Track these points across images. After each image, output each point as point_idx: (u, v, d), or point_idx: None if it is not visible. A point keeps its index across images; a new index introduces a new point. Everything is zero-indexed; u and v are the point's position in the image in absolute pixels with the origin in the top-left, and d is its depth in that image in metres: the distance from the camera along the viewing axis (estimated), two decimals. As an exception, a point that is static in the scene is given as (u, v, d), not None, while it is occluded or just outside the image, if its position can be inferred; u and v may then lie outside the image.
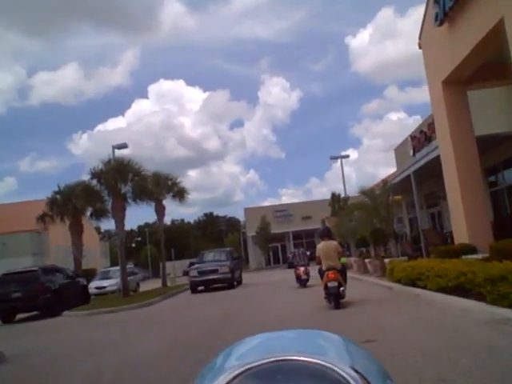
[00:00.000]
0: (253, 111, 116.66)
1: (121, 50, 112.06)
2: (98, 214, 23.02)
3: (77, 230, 23.37)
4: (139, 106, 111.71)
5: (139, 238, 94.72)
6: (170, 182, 27.19)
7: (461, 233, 12.13)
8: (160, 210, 26.84)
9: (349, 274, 18.64)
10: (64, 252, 31.55)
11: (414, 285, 9.99)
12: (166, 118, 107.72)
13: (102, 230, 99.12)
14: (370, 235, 17.91)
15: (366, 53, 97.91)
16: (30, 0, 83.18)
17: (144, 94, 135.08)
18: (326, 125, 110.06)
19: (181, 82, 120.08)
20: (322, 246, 9.56)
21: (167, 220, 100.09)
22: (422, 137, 20.33)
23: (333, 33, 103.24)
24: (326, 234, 9.98)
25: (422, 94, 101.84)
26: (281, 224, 49.76)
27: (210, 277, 19.69)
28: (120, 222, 19.99)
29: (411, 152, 21.77)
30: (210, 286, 19.93)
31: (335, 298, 9.03)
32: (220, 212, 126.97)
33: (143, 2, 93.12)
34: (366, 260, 17.68)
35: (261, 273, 36.83)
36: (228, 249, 24.07)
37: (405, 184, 18.36)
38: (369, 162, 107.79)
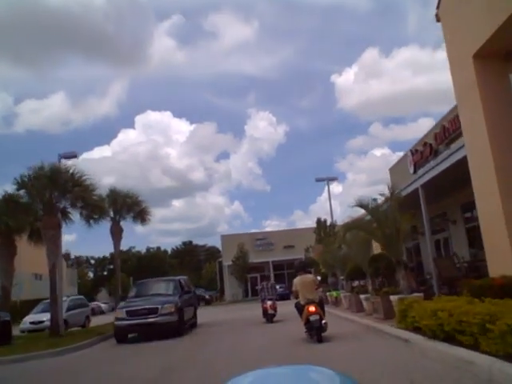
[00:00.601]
0: (239, 144, 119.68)
1: (109, 81, 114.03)
2: (38, 235, 19.04)
3: (8, 253, 19.29)
4: (125, 136, 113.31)
5: (111, 266, 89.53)
6: (129, 201, 23.35)
7: (501, 261, 8.63)
8: (117, 233, 22.94)
9: (337, 311, 15.26)
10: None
11: (450, 339, 6.35)
12: (152, 148, 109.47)
13: (73, 256, 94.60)
14: (370, 263, 14.28)
15: (351, 90, 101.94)
16: (19, 29, 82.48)
17: (131, 125, 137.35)
18: (311, 159, 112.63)
19: (168, 114, 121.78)
20: (298, 280, 9.58)
21: (142, 247, 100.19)
22: (427, 150, 17.16)
23: (319, 70, 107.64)
24: (302, 268, 10.16)
25: (406, 131, 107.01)
26: (261, 253, 46.03)
27: (145, 320, 13.47)
28: (52, 241, 16.11)
29: (411, 169, 18.57)
30: (146, 333, 13.78)
31: (317, 331, 8.94)
32: (203, 242, 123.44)
33: (133, 36, 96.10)
34: (362, 296, 14.01)
35: (234, 306, 32.86)
36: (178, 278, 17.91)
37: (407, 202, 14.86)
38: (353, 196, 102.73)
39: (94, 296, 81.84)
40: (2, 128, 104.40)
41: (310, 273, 11.47)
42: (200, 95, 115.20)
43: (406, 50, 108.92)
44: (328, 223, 28.70)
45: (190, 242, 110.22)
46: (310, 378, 1.13)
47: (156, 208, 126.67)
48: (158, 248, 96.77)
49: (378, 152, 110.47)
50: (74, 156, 19.16)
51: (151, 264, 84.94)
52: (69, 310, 21.03)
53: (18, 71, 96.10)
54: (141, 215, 23.69)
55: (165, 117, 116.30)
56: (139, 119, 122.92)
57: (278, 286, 15.87)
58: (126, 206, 23.17)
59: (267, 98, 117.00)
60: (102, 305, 60.92)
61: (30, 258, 53.65)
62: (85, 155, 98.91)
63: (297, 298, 9.73)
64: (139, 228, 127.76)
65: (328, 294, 20.23)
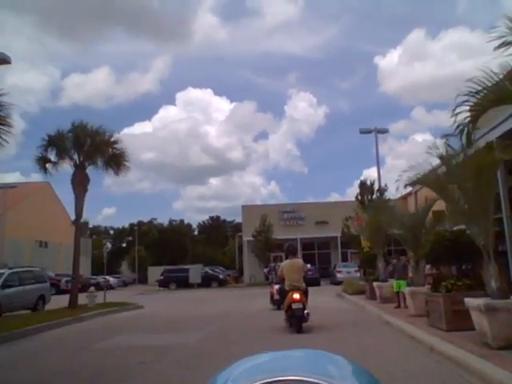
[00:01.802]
0: (278, 124, 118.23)
1: (152, 57, 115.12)
2: None
3: None
4: (166, 113, 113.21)
5: (130, 238, 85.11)
6: (98, 139, 17.02)
7: None
8: (80, 182, 16.70)
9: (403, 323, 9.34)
10: None
11: None
12: (192, 125, 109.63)
13: (91, 226, 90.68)
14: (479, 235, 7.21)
15: (394, 73, 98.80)
16: (67, 4, 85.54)
17: (172, 101, 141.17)
18: (350, 142, 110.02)
19: (209, 91, 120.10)
20: (286, 263, 9.22)
21: (165, 219, 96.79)
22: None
23: (363, 51, 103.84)
24: (292, 252, 9.62)
25: (449, 118, 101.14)
26: (288, 228, 39.38)
27: None
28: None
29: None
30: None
31: (298, 321, 8.56)
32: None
33: (177, 12, 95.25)
34: (475, 302, 7.00)
35: (249, 291, 26.45)
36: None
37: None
38: (391, 181, 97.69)
39: (117, 269, 77.79)
40: (49, 102, 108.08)
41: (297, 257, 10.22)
42: (241, 73, 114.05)
43: (455, 31, 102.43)
44: (375, 187, 21.71)
45: (218, 217, 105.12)
46: (321, 362, 1.17)
47: (193, 185, 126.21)
48: (182, 221, 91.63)
49: (419, 137, 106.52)
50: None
51: (172, 238, 79.86)
52: (3, 286, 15.08)
53: (64, 45, 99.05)
54: (115, 160, 17.32)
55: (205, 94, 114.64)
56: (180, 96, 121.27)
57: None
58: (94, 147, 16.79)
59: (308, 79, 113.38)
60: (111, 279, 55.88)
61: (33, 224, 49.11)
62: (126, 130, 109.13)
63: (281, 281, 9.44)
64: (176, 203, 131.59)
65: (377, 284, 13.34)
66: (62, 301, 17.80)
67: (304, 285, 9.08)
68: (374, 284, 12.73)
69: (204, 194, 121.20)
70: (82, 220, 18.34)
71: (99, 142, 17.19)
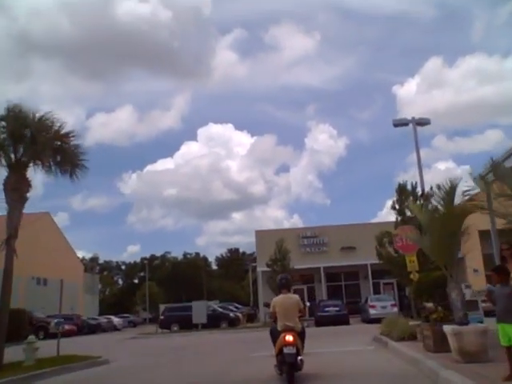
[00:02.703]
0: (299, 157, 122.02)
1: (173, 95, 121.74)
2: None
3: None
4: (188, 149, 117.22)
5: (142, 273, 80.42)
6: (41, 130, 12.54)
7: None
8: (15, 188, 12.21)
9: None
10: None
11: None
12: (214, 160, 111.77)
13: (101, 261, 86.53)
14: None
15: (413, 101, 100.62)
16: (91, 47, 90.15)
17: (193, 137, 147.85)
18: (372, 172, 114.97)
19: (230, 126, 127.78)
20: (279, 299, 7.73)
21: (179, 253, 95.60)
22: None
23: (380, 81, 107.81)
24: (284, 285, 7.96)
25: (471, 144, 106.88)
26: (308, 256, 34.28)
27: None
28: None
29: None
30: None
31: (290, 370, 7.08)
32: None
33: (196, 50, 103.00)
34: None
35: (257, 335, 21.27)
36: None
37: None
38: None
39: (135, 307, 73.08)
40: (76, 141, 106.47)
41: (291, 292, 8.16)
42: (261, 108, 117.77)
43: (472, 58, 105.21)
44: (418, 191, 16.61)
45: (237, 250, 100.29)
46: None
47: (216, 220, 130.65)
48: (197, 254, 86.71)
49: (441, 165, 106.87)
50: None
51: (186, 272, 75.00)
52: None
53: (88, 86, 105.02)
54: (66, 158, 12.81)
55: (226, 129, 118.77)
56: (201, 132, 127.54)
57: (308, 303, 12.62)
58: (40, 141, 12.36)
59: (328, 110, 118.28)
60: (116, 319, 50.98)
61: (30, 259, 44.81)
62: (149, 167, 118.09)
63: (274, 321, 7.93)
64: (199, 239, 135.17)
65: (453, 328, 8.01)
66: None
67: (300, 325, 7.77)
68: (446, 329, 7.64)
69: (227, 228, 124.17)
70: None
71: (44, 135, 12.67)
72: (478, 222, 10.18)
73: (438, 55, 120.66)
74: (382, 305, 25.95)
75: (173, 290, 75.27)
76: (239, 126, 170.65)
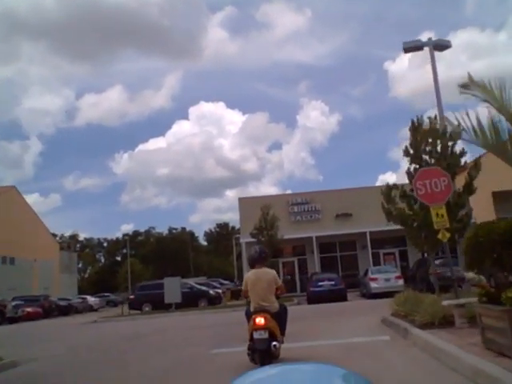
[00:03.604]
0: (291, 134, 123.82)
1: (164, 74, 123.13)
2: None
3: None
4: (180, 128, 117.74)
5: (124, 250, 76.54)
6: None
7: None
8: None
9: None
10: None
11: None
12: (206, 139, 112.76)
13: (81, 238, 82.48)
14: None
15: (405, 77, 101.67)
16: (78, 26, 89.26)
17: (185, 116, 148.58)
18: (364, 148, 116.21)
19: (221, 105, 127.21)
20: (252, 275, 6.74)
21: (164, 228, 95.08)
22: None
23: (372, 57, 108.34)
24: (260, 258, 6.89)
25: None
26: (299, 225, 30.58)
27: None
28: None
29: None
30: None
31: (262, 358, 6.11)
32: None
33: (187, 28, 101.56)
34: None
35: (237, 316, 17.54)
36: None
37: None
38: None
39: (119, 286, 69.54)
40: (65, 122, 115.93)
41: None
42: (252, 85, 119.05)
43: (464, 32, 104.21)
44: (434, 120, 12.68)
45: (226, 225, 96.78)
46: (332, 378, 1.19)
47: (209, 198, 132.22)
48: (183, 229, 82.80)
49: None
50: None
51: (171, 248, 71.31)
52: None
53: (78, 67, 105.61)
54: None
55: (218, 107, 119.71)
56: (193, 110, 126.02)
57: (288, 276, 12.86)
58: None
59: (320, 87, 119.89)
60: (92, 299, 47.37)
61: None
62: (140, 147, 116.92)
63: (246, 298, 7.17)
64: (192, 217, 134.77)
65: None
66: None
67: (277, 304, 6.66)
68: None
69: (220, 206, 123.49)
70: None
71: None
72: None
73: (430, 30, 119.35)
74: (385, 277, 22.42)
75: (159, 267, 71.84)
76: (231, 104, 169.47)
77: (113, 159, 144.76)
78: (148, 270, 67.91)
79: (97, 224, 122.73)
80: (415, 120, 12.63)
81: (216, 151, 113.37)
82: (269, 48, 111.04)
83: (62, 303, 39.47)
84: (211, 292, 27.55)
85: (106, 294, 54.74)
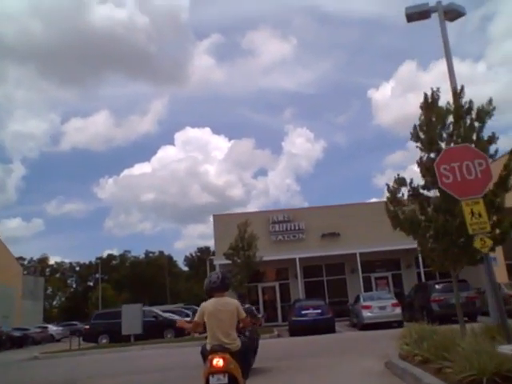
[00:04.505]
0: (277, 160, 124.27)
1: (150, 100, 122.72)
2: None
3: None
4: (165, 153, 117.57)
5: (97, 275, 72.19)
6: None
7: None
8: None
9: None
10: None
11: None
12: (191, 164, 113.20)
13: (52, 262, 77.75)
14: None
15: (388, 105, 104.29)
16: (65, 51, 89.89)
17: (170, 141, 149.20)
18: (349, 175, 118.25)
19: (207, 130, 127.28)
20: (210, 305, 5.56)
21: (136, 251, 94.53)
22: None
23: (356, 85, 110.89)
24: (220, 286, 5.64)
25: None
26: (281, 245, 27.42)
27: None
28: None
29: None
30: None
31: None
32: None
33: (174, 55, 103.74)
34: None
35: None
36: None
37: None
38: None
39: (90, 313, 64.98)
40: (50, 146, 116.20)
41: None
42: (238, 111, 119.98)
43: (445, 62, 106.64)
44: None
45: (208, 249, 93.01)
46: None
47: (194, 224, 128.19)
48: (161, 253, 78.67)
49: (417, 167, 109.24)
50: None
51: (147, 273, 67.23)
52: None
53: (64, 91, 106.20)
54: None
55: (204, 133, 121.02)
56: (179, 136, 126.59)
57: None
58: None
59: (305, 114, 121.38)
60: (54, 328, 43.18)
61: None
62: (126, 172, 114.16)
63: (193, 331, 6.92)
64: (177, 243, 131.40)
65: None
66: None
67: (238, 342, 5.53)
68: None
69: (205, 232, 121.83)
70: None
71: None
72: None
73: (413, 59, 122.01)
74: (380, 305, 19.27)
75: (134, 293, 67.76)
76: (217, 130, 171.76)
77: (97, 184, 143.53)
78: (121, 296, 63.63)
79: (79, 249, 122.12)
80: (429, 94, 9.70)
81: (201, 177, 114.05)
82: (254, 75, 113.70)
83: (16, 334, 35.45)
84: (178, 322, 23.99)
85: (73, 323, 50.39)
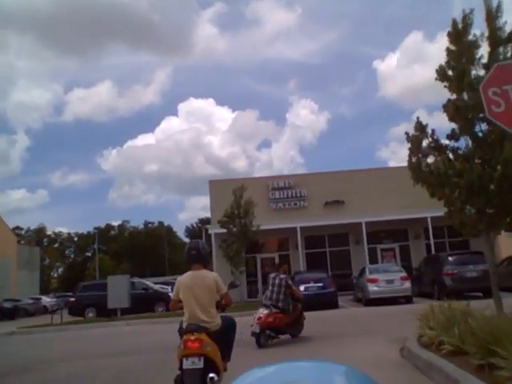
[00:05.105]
0: (281, 132, 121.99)
1: (153, 70, 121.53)
2: None
3: None
4: (169, 124, 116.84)
5: (95, 246, 70.91)
6: None
7: None
8: None
9: None
10: None
11: None
12: (195, 136, 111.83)
13: (50, 232, 76.69)
14: None
15: (394, 76, 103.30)
16: (67, 20, 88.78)
17: (174, 112, 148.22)
18: (353, 147, 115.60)
19: (210, 101, 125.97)
20: (186, 279, 5.16)
21: (139, 222, 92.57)
22: None
23: (362, 55, 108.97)
24: (197, 257, 5.21)
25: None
26: (281, 213, 25.75)
27: None
28: None
29: None
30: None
31: None
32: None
33: (177, 24, 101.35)
34: None
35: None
36: None
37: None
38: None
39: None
40: (53, 117, 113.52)
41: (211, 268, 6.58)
42: (242, 82, 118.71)
43: None
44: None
45: (208, 219, 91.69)
46: (331, 374, 1.23)
47: (198, 196, 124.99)
48: (160, 223, 77.19)
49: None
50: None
51: (145, 243, 66.00)
52: None
53: (67, 61, 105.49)
54: None
55: (207, 104, 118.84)
56: (182, 107, 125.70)
57: (289, 281, 9.67)
58: None
59: (309, 85, 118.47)
60: (48, 299, 42.13)
61: None
62: (129, 143, 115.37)
63: (173, 309, 5.47)
64: (181, 214, 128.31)
65: None
66: None
67: (219, 320, 5.07)
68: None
69: (208, 204, 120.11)
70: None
71: None
72: None
73: (419, 29, 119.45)
74: (387, 278, 17.61)
75: (134, 265, 66.72)
76: (220, 101, 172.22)
77: (101, 155, 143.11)
78: (119, 267, 62.52)
79: (83, 221, 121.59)
80: (459, 19, 7.83)
81: (205, 148, 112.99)
82: (259, 45, 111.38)
83: (7, 305, 34.32)
84: (170, 294, 22.54)
85: (67, 294, 49.41)
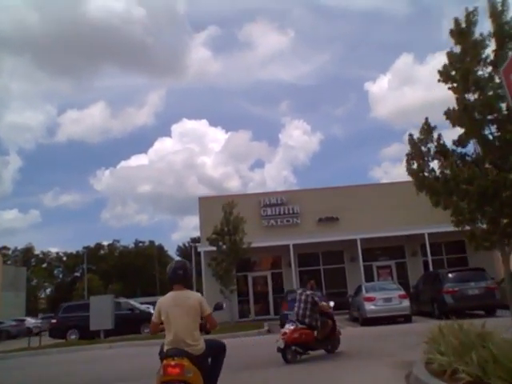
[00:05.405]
0: (274, 152, 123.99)
1: (147, 91, 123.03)
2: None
3: None
4: (162, 145, 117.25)
5: (84, 266, 69.39)
6: None
7: None
8: None
9: None
10: None
11: None
12: (188, 156, 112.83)
13: (37, 252, 75.16)
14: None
15: (385, 98, 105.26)
16: (62, 42, 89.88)
17: (167, 133, 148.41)
18: (346, 167, 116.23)
19: (204, 122, 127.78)
20: (166, 300, 4.92)
21: (129, 241, 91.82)
22: None
23: (353, 77, 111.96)
24: (179, 277, 4.95)
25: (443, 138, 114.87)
26: (273, 231, 24.95)
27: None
28: None
29: None
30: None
31: None
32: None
33: (171, 47, 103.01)
34: None
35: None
36: None
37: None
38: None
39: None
40: (46, 138, 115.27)
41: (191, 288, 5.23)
42: (235, 103, 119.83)
43: (441, 54, 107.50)
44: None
45: (199, 239, 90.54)
46: None
47: (191, 216, 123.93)
48: (151, 242, 75.91)
49: None
50: None
51: (136, 263, 64.66)
52: None
53: (60, 83, 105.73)
54: None
55: (201, 125, 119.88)
56: (175, 128, 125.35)
57: (317, 298, 9.80)
58: None
59: (302, 106, 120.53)
60: (32, 321, 40.70)
61: None
62: (122, 163, 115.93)
63: (154, 332, 5.22)
64: (174, 235, 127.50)
65: None
66: None
67: (202, 344, 4.76)
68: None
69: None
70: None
71: None
72: None
73: (409, 52, 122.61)
74: (385, 296, 16.82)
75: (126, 284, 65.39)
76: (213, 122, 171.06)
77: (94, 176, 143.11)
78: (109, 287, 61.11)
79: (75, 241, 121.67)
80: (462, 16, 7.20)
81: (198, 169, 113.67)
82: (251, 67, 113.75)
83: (-13, 327, 33.06)
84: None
85: (52, 315, 47.96)
